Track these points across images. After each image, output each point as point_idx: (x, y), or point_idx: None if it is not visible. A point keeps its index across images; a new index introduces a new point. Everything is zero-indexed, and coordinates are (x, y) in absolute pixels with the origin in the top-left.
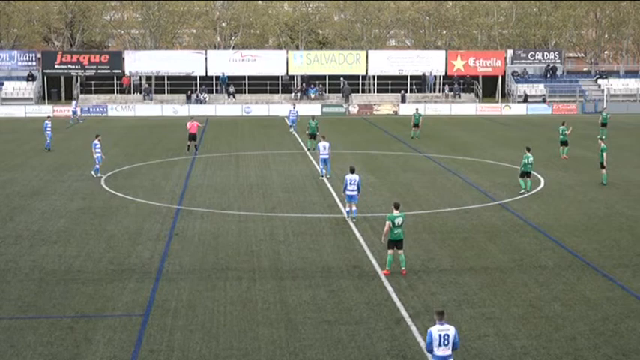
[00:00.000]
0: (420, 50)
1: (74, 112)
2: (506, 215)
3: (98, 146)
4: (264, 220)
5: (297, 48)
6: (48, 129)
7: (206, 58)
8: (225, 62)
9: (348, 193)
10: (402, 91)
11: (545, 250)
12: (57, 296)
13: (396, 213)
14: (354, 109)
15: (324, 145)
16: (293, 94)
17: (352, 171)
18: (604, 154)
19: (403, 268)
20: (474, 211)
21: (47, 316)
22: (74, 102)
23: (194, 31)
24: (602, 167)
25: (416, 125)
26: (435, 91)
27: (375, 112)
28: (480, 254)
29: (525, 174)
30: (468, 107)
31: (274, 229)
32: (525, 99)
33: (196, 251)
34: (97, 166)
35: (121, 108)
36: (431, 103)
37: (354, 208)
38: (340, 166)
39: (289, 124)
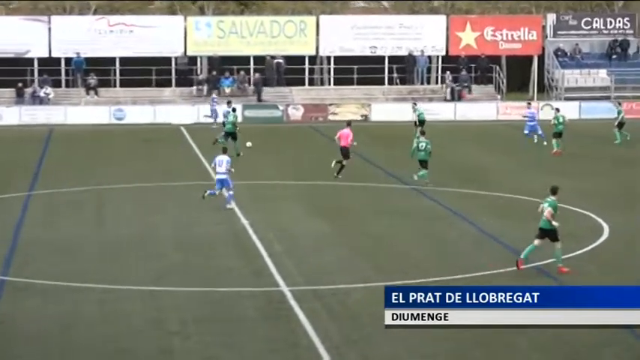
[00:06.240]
0: (405, 15)
1: (213, 111)
2: (547, 284)
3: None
4: (145, 297)
5: (202, 12)
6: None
7: (50, 29)
8: (81, 35)
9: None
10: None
11: (612, 346)
12: None
13: (422, 139)
14: (296, 113)
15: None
16: (195, 87)
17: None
18: None
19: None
20: (494, 278)
21: None
22: (213, 96)
23: None
24: None
25: (422, 122)
26: (429, 83)
27: (330, 117)
28: (511, 354)
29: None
30: (483, 108)
31: (163, 312)
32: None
33: (32, 354)
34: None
35: None
36: (423, 102)
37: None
38: (272, 206)
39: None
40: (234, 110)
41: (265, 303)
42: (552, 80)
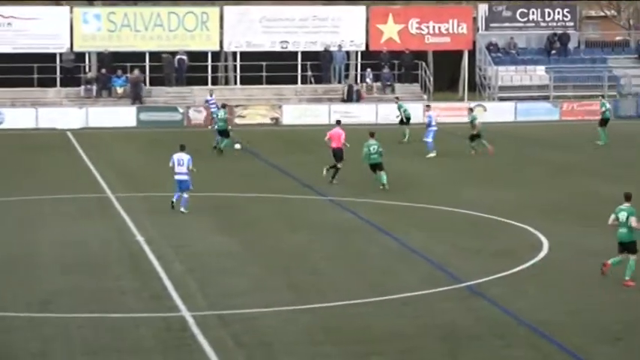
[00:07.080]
0: (320, 5)
1: (214, 114)
2: (480, 306)
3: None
4: (28, 325)
5: (91, 2)
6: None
7: None
8: None
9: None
10: None
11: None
12: None
13: (372, 141)
14: (198, 115)
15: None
16: (83, 87)
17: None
18: None
19: (384, 184)
20: (420, 300)
21: None
22: (210, 96)
23: None
24: None
25: (407, 120)
26: (346, 81)
27: (237, 121)
28: None
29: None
30: (408, 109)
31: (48, 342)
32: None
33: None
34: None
35: None
36: (338, 104)
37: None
38: (172, 220)
39: None
40: (224, 107)
41: (165, 330)
42: (485, 78)
